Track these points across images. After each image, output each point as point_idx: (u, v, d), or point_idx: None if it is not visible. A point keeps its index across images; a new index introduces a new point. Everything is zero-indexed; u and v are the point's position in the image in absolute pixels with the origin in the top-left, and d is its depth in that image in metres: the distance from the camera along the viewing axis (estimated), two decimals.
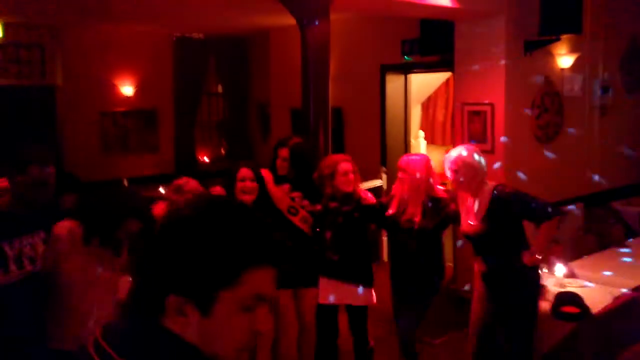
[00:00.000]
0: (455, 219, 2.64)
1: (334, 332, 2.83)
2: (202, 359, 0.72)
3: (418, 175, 2.58)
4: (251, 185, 2.52)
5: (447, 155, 2.55)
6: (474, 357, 2.62)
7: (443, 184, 2.75)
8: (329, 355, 2.83)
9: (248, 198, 2.49)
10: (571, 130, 4.45)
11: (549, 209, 2.40)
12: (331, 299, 2.71)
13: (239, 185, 2.50)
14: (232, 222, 0.73)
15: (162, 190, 2.38)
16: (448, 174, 2.51)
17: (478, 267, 2.55)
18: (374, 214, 2.77)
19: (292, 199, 2.67)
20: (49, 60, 5.75)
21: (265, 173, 2.74)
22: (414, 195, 2.59)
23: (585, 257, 3.53)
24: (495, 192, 2.45)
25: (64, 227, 1.94)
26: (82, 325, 1.89)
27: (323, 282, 2.71)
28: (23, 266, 1.89)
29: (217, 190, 2.53)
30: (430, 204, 2.59)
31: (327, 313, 2.76)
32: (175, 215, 0.75)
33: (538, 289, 2.54)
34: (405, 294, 2.70)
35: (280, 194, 2.66)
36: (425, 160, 2.66)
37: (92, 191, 1.94)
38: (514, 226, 2.46)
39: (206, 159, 6.97)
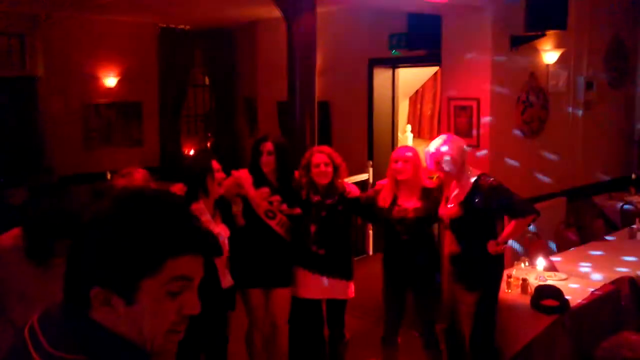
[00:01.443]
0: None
1: (319, 324, 2.84)
2: (129, 348, 0.74)
3: (415, 162, 2.63)
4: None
5: (426, 150, 2.60)
6: (445, 334, 2.72)
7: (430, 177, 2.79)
8: (315, 347, 2.84)
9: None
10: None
11: (525, 208, 2.49)
12: (316, 294, 2.72)
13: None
14: (149, 213, 0.74)
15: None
16: (431, 166, 2.58)
17: (448, 249, 2.62)
18: (359, 207, 2.77)
19: (270, 202, 2.66)
20: (30, 50, 5.62)
21: (244, 174, 2.70)
22: (409, 185, 2.64)
23: (566, 250, 3.58)
24: (477, 181, 2.52)
25: (9, 237, 1.86)
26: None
27: (305, 275, 2.71)
28: None
29: (178, 187, 2.47)
30: (422, 193, 2.66)
31: (311, 306, 2.76)
32: (96, 210, 0.76)
33: (500, 276, 2.64)
34: (407, 286, 2.73)
35: (258, 198, 2.64)
36: (416, 151, 2.74)
37: (44, 196, 1.85)
38: (487, 216, 2.53)
39: (192, 152, 6.90)
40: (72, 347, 0.72)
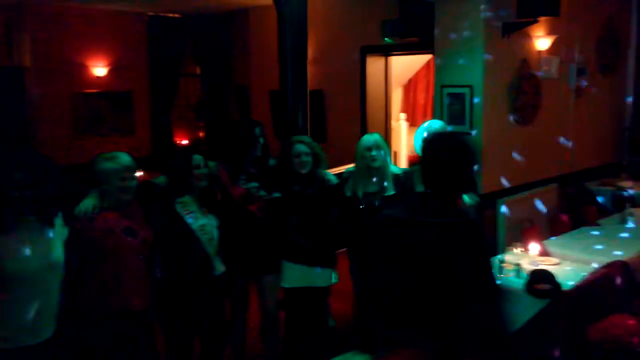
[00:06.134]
0: None
1: (305, 312, 2.84)
2: None
3: (382, 152, 2.68)
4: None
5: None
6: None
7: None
8: (300, 336, 2.84)
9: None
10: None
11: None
12: (299, 282, 2.72)
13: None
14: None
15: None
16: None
17: None
18: (336, 195, 2.77)
19: (249, 189, 2.63)
20: (16, 40, 5.52)
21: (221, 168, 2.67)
22: (381, 172, 2.67)
23: (559, 235, 3.61)
24: None
25: None
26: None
27: (289, 266, 2.72)
28: None
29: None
30: (393, 180, 2.70)
31: (295, 294, 2.76)
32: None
33: None
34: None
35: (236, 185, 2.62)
36: (383, 138, 2.80)
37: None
38: None
39: (184, 142, 6.85)
40: (454, 215, 1.50)
